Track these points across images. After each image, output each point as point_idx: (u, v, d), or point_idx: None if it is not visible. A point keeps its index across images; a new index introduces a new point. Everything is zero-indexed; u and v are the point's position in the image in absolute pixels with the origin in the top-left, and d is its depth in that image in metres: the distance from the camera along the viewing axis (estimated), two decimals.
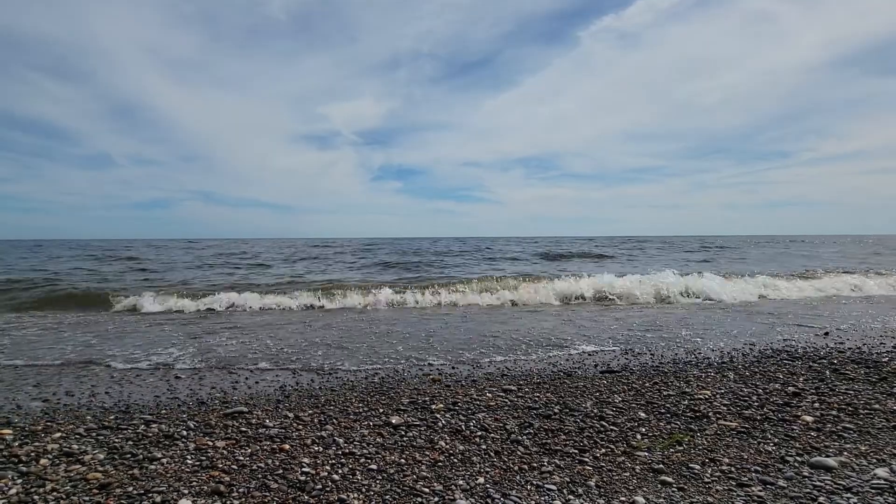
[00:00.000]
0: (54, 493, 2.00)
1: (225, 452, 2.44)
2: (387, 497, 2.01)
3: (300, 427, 2.80)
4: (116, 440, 2.59)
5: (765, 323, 6.61)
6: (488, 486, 2.11)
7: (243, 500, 1.98)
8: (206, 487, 2.06)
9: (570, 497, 2.01)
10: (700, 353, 4.85)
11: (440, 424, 2.84)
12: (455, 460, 2.37)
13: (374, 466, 2.28)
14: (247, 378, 4.08)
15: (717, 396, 3.31)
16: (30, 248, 33.66)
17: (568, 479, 2.16)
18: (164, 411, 3.12)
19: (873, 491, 2.01)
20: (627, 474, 2.22)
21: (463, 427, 2.79)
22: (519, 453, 2.45)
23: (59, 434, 2.66)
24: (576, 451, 2.46)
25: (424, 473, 2.22)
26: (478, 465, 2.31)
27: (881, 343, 5.07)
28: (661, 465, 2.29)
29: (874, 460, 2.30)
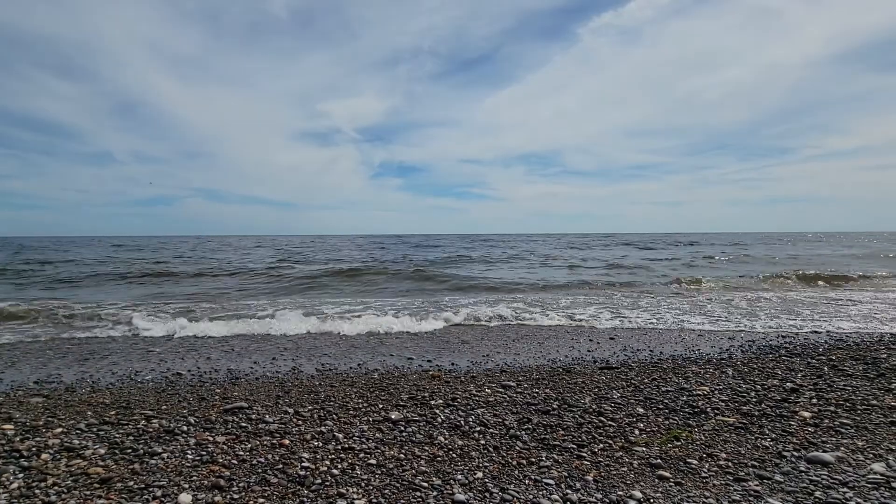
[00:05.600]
0: (55, 488, 2.01)
1: (225, 447, 2.45)
2: (386, 491, 2.02)
3: (300, 422, 2.82)
4: (117, 435, 2.60)
5: None
6: (487, 480, 2.12)
7: (243, 494, 1.99)
8: (206, 482, 2.07)
9: (568, 491, 2.02)
10: (699, 349, 4.86)
11: (439, 420, 2.85)
12: (454, 455, 2.38)
13: (373, 461, 2.30)
14: (247, 374, 4.09)
15: (716, 392, 3.32)
16: None
17: (566, 474, 2.18)
18: (164, 407, 3.13)
19: (869, 486, 2.02)
20: (625, 469, 2.23)
21: (462, 422, 2.80)
22: (517, 448, 2.46)
23: (59, 429, 2.67)
24: (574, 447, 2.47)
25: (423, 468, 2.23)
26: (476, 460, 2.32)
27: (879, 339, 5.08)
28: (658, 460, 2.30)
29: (871, 455, 2.31)
